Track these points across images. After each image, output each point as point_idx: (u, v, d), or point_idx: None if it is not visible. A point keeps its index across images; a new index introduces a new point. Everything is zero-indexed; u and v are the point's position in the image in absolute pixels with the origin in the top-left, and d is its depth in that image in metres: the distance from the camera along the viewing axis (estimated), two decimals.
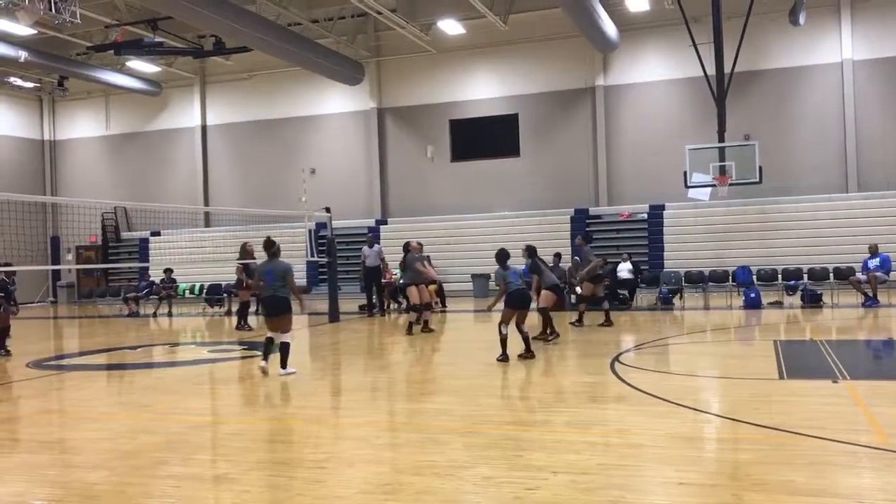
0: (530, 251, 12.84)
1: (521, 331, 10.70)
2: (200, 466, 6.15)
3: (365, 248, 19.24)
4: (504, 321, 10.64)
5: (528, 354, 10.66)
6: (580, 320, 14.71)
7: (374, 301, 19.17)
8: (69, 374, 11.76)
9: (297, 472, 5.66)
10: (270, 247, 10.38)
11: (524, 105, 26.25)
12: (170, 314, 21.96)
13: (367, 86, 27.48)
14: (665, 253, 23.87)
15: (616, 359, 10.61)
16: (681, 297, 20.02)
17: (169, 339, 16.78)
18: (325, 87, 27.66)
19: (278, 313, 10.16)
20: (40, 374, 11.43)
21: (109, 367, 12.76)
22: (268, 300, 10.19)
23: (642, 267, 21.83)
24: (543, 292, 12.62)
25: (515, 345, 10.77)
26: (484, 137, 26.74)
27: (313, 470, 5.72)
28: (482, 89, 26.72)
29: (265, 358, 10.17)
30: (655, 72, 25.03)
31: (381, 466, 5.89)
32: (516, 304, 10.71)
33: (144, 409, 8.53)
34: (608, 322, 14.61)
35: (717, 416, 7.28)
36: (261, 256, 11.75)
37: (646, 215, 24.48)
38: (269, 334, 10.28)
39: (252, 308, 17.19)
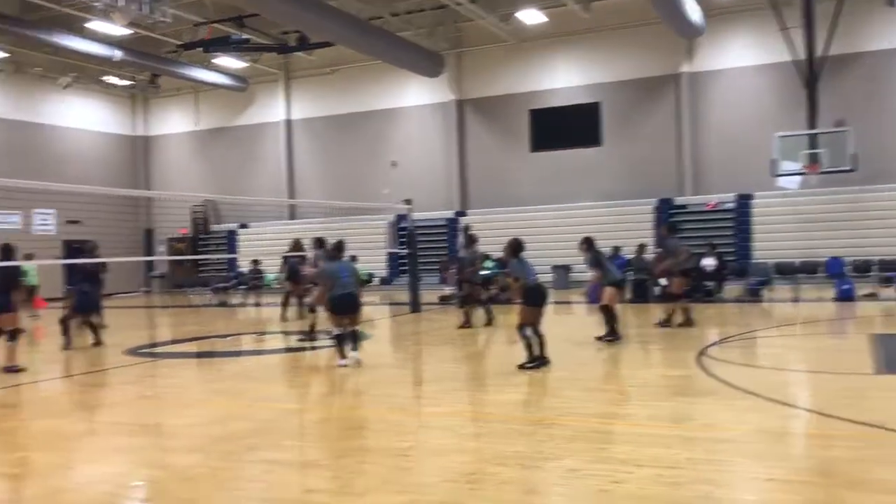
0: (588, 243, 11.74)
1: (537, 332, 9.52)
2: (290, 452, 6.34)
3: (459, 239, 19.32)
4: (524, 322, 9.50)
5: (542, 360, 9.50)
6: (668, 321, 13.26)
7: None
8: (163, 361, 12.23)
9: (383, 460, 5.76)
10: (342, 249, 10.60)
11: (606, 93, 25.88)
12: (257, 304, 22.56)
13: (446, 77, 27.56)
14: (753, 244, 23.22)
15: (702, 352, 10.41)
16: (770, 289, 19.48)
17: (257, 328, 17.24)
18: (405, 79, 27.87)
19: (358, 308, 10.37)
20: (136, 360, 11.92)
21: (200, 354, 13.21)
22: (349, 297, 10.19)
23: (728, 258, 21.31)
24: (607, 289, 11.61)
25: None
26: (564, 127, 26.46)
27: (399, 458, 5.82)
28: (563, 78, 26.46)
29: (355, 348, 10.26)
30: (742, 57, 24.31)
31: (465, 456, 5.95)
32: (537, 301, 9.59)
33: (235, 395, 8.81)
34: (689, 322, 13.18)
35: (808, 410, 7.09)
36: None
37: (733, 205, 23.85)
38: (348, 329, 10.26)
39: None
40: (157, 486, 5.38)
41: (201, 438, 6.75)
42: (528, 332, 9.48)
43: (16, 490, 5.40)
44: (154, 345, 14.51)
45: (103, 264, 15.78)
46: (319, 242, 13.74)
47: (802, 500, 4.67)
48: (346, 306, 10.07)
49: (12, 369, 10.61)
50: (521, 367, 9.38)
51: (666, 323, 13.31)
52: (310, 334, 12.92)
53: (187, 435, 6.96)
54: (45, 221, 28.80)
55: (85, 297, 13.51)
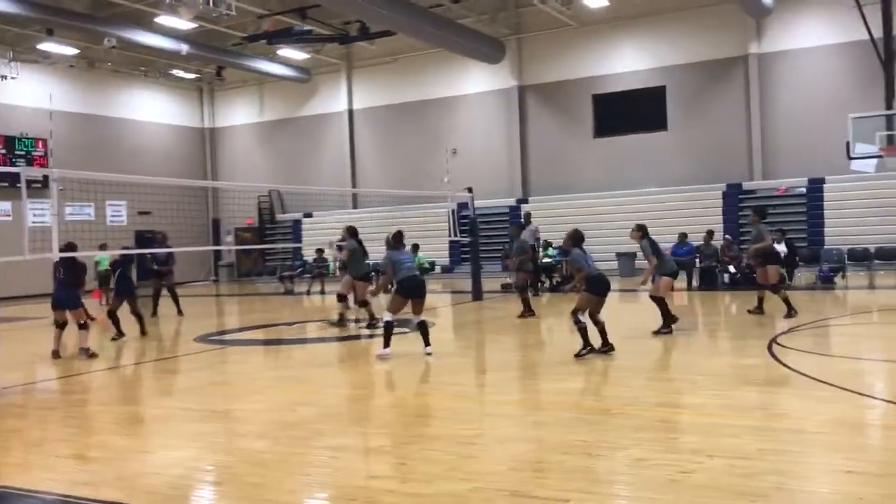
0: (642, 230, 11.34)
1: (597, 321, 9.55)
2: (356, 438, 6.40)
3: (524, 225, 19.24)
4: (581, 309, 9.49)
5: (606, 348, 9.49)
6: (759, 307, 12.79)
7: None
8: (232, 348, 12.48)
9: (449, 447, 5.77)
10: (402, 238, 10.55)
11: (671, 77, 25.36)
12: (322, 292, 22.84)
13: (508, 64, 27.38)
14: (825, 229, 22.52)
15: (773, 340, 10.15)
16: (843, 276, 18.90)
17: (322, 315, 17.46)
18: (466, 67, 27.80)
19: (425, 293, 10.28)
20: (206, 348, 12.20)
21: (267, 342, 13.44)
22: (417, 279, 10.16)
23: (799, 245, 20.74)
24: (663, 279, 11.25)
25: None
26: (628, 112, 26.05)
27: (464, 445, 5.82)
28: (626, 62, 26.02)
29: (427, 343, 10.09)
30: (813, 37, 23.52)
31: (531, 444, 5.92)
32: (599, 290, 9.61)
33: (302, 382, 8.95)
34: (759, 309, 12.84)
35: (885, 401, 6.84)
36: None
37: (804, 189, 23.16)
38: (414, 319, 10.21)
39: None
40: (228, 471, 5.49)
41: (269, 424, 6.87)
42: (582, 317, 9.43)
43: (94, 473, 5.58)
44: (223, 332, 14.81)
45: (169, 256, 16.21)
46: (352, 231, 13.85)
47: (882, 495, 4.50)
48: (414, 289, 9.99)
49: (86, 352, 11.06)
50: (577, 355, 9.27)
51: (758, 309, 12.76)
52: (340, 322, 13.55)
53: (256, 420, 7.08)
54: (118, 212, 29.73)
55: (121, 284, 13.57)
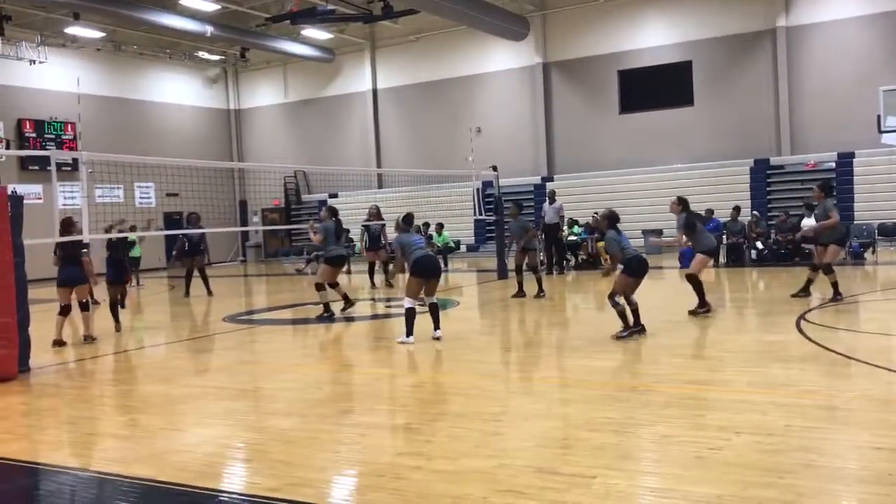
0: (683, 203, 10.92)
1: (630, 301, 9.35)
2: (383, 416, 6.46)
3: (545, 204, 19.15)
4: (617, 292, 9.31)
5: (637, 328, 9.29)
6: (806, 289, 11.95)
7: (552, 259, 18.91)
8: (260, 327, 12.62)
9: (474, 425, 5.81)
10: (411, 221, 10.33)
11: (698, 51, 25.03)
12: (348, 272, 22.93)
13: (532, 40, 27.17)
14: (855, 204, 22.20)
15: (802, 316, 10.07)
16: (873, 252, 18.65)
17: (348, 295, 17.55)
18: (490, 44, 27.63)
19: (439, 273, 10.06)
20: (235, 327, 12.34)
21: (295, 321, 13.56)
22: (430, 258, 9.94)
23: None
24: (698, 256, 10.82)
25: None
26: (654, 87, 25.75)
27: (490, 423, 5.85)
28: (652, 37, 25.70)
29: (437, 327, 9.92)
30: (843, 8, 23.06)
31: (557, 421, 5.94)
32: (637, 272, 9.40)
33: (329, 361, 9.03)
34: (806, 290, 11.97)
35: None
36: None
37: (833, 164, 22.82)
38: (426, 302, 9.90)
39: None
40: (257, 449, 5.57)
41: (298, 402, 6.95)
42: (620, 300, 9.28)
43: (126, 450, 5.68)
44: (251, 312, 14.96)
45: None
46: (332, 211, 13.30)
47: None
48: (428, 268, 9.73)
49: (88, 338, 11.06)
50: (618, 336, 9.15)
51: (804, 292, 11.89)
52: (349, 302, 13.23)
53: (285, 399, 7.17)
54: (146, 194, 30.04)
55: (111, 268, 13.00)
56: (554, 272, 18.61)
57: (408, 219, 10.30)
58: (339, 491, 4.82)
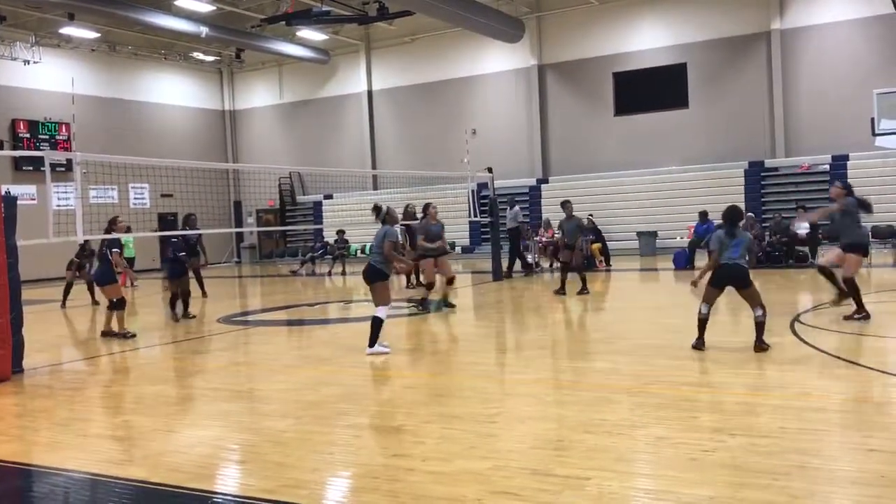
0: (847, 188, 9.72)
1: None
2: (378, 418, 6.46)
3: (507, 209, 19.52)
4: (706, 300, 8.43)
5: (761, 345, 8.14)
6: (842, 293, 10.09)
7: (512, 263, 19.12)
8: (255, 329, 12.60)
9: (469, 426, 5.81)
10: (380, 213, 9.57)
11: (693, 53, 25.09)
12: (343, 273, 22.93)
13: (527, 42, 27.20)
14: None
15: (796, 318, 10.09)
16: (866, 254, 18.68)
17: (343, 296, 17.55)
18: (485, 46, 27.65)
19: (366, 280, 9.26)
20: (229, 328, 12.32)
21: (290, 322, 13.54)
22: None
23: (823, 222, 20.50)
24: (848, 256, 9.62)
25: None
26: (649, 89, 25.81)
27: (485, 424, 5.85)
28: (647, 39, 25.76)
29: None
30: (837, 11, 23.15)
31: (552, 423, 5.94)
32: (720, 283, 8.33)
33: (324, 362, 9.01)
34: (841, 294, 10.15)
35: None
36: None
37: (827, 167, 22.89)
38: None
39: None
40: (251, 450, 5.56)
41: (292, 404, 6.94)
42: (706, 310, 8.42)
43: (120, 451, 5.67)
44: (246, 313, 14.94)
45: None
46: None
47: None
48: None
49: (124, 334, 11.34)
50: (693, 346, 8.40)
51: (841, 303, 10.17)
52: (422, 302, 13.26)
53: (279, 400, 7.16)
54: (141, 195, 29.96)
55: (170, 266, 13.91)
56: (513, 276, 18.78)
57: (378, 210, 9.60)
58: (333, 492, 4.81)
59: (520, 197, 26.39)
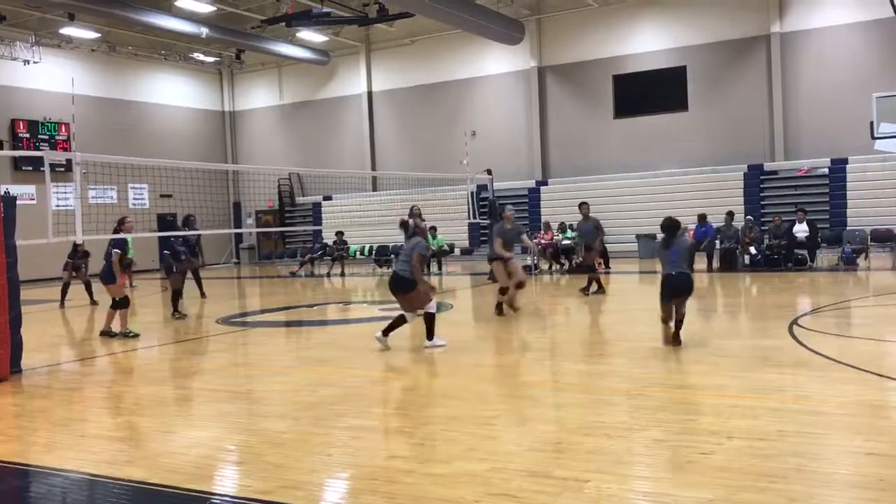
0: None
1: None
2: (376, 419, 6.46)
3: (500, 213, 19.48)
4: (665, 318, 8.69)
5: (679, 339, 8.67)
6: None
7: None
8: (253, 329, 12.60)
9: (468, 428, 5.81)
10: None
11: (692, 56, 25.11)
12: (342, 274, 22.94)
13: (527, 45, 27.21)
14: (848, 210, 22.28)
15: (795, 322, 10.10)
16: (866, 258, 18.72)
17: (342, 298, 17.55)
18: (485, 48, 27.66)
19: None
20: (228, 329, 12.32)
21: (289, 324, 13.54)
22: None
23: (821, 226, 20.57)
24: None
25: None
26: (649, 92, 25.82)
27: (484, 426, 5.85)
28: (647, 42, 25.78)
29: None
30: (836, 15, 23.17)
31: (550, 425, 5.94)
32: (669, 297, 8.61)
33: (323, 363, 9.02)
34: None
35: None
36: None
37: (826, 170, 22.91)
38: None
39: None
40: (250, 451, 5.55)
41: (291, 405, 6.94)
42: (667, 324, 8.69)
43: (118, 452, 5.67)
44: (245, 314, 14.94)
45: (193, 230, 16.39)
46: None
47: None
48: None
49: (126, 334, 11.31)
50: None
51: None
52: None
53: (278, 401, 7.16)
54: (140, 196, 29.95)
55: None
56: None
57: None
58: (331, 494, 4.81)
59: (519, 199, 26.46)
